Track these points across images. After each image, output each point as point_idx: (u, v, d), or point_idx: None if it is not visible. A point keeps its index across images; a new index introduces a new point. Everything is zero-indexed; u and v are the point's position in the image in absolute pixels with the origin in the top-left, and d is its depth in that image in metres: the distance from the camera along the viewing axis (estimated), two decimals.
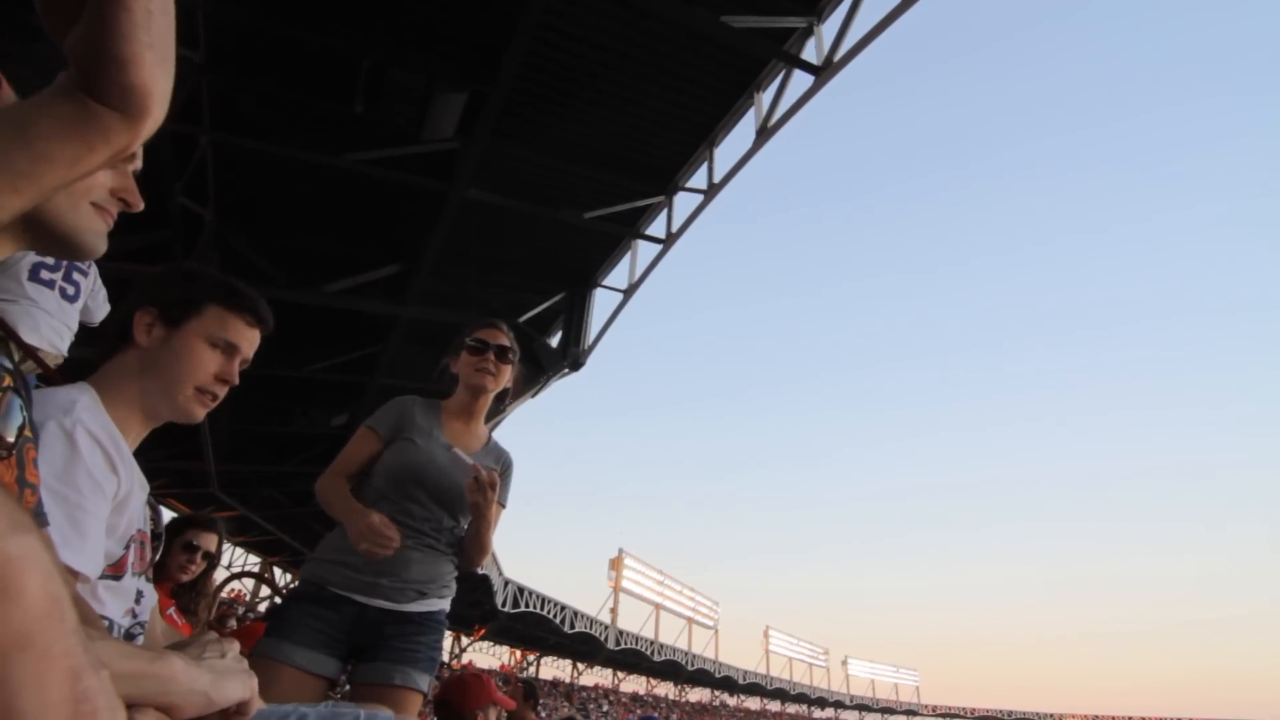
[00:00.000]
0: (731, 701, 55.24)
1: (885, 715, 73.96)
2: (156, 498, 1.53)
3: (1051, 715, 77.36)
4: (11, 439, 0.74)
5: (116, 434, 1.13)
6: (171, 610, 2.59)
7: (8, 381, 0.77)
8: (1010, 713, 77.83)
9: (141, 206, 0.91)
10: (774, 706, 59.07)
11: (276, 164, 6.06)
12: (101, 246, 0.86)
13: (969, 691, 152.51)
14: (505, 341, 2.17)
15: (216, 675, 0.74)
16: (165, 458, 10.85)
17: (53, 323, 2.40)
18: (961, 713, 77.92)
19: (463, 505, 2.02)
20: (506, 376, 2.17)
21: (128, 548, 1.21)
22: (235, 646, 0.82)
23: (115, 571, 1.18)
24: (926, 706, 77.65)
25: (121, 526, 1.18)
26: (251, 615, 12.58)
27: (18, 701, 0.18)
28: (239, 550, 23.01)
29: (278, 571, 22.60)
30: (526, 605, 28.78)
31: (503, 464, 2.17)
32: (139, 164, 0.91)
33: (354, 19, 5.02)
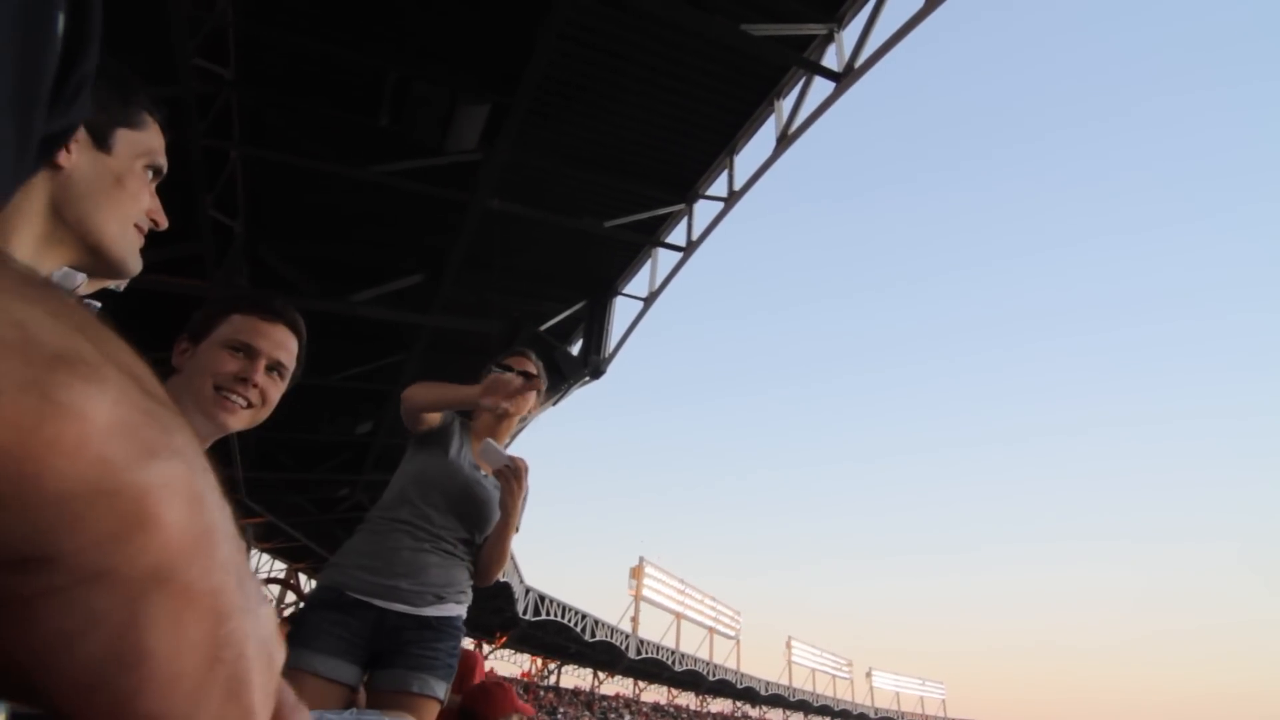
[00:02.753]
0: (754, 713, 54.69)
1: None
2: None
3: None
4: None
5: None
6: None
7: None
8: None
9: (167, 224, 0.96)
10: (797, 718, 58.32)
11: (304, 176, 6.18)
12: (138, 265, 0.92)
13: (997, 704, 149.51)
14: (533, 370, 2.24)
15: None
16: None
17: None
18: None
19: (480, 521, 2.10)
20: (531, 404, 2.26)
21: None
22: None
23: None
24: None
25: None
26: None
27: (148, 641, 0.17)
28: (264, 556, 23.35)
29: (303, 578, 22.87)
30: (547, 613, 28.81)
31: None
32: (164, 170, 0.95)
33: (379, 33, 5.12)
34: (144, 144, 0.89)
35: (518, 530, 2.12)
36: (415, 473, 2.09)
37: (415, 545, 1.99)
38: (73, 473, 0.17)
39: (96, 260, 0.86)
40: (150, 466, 0.18)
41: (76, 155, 0.81)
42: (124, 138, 0.86)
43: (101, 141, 0.83)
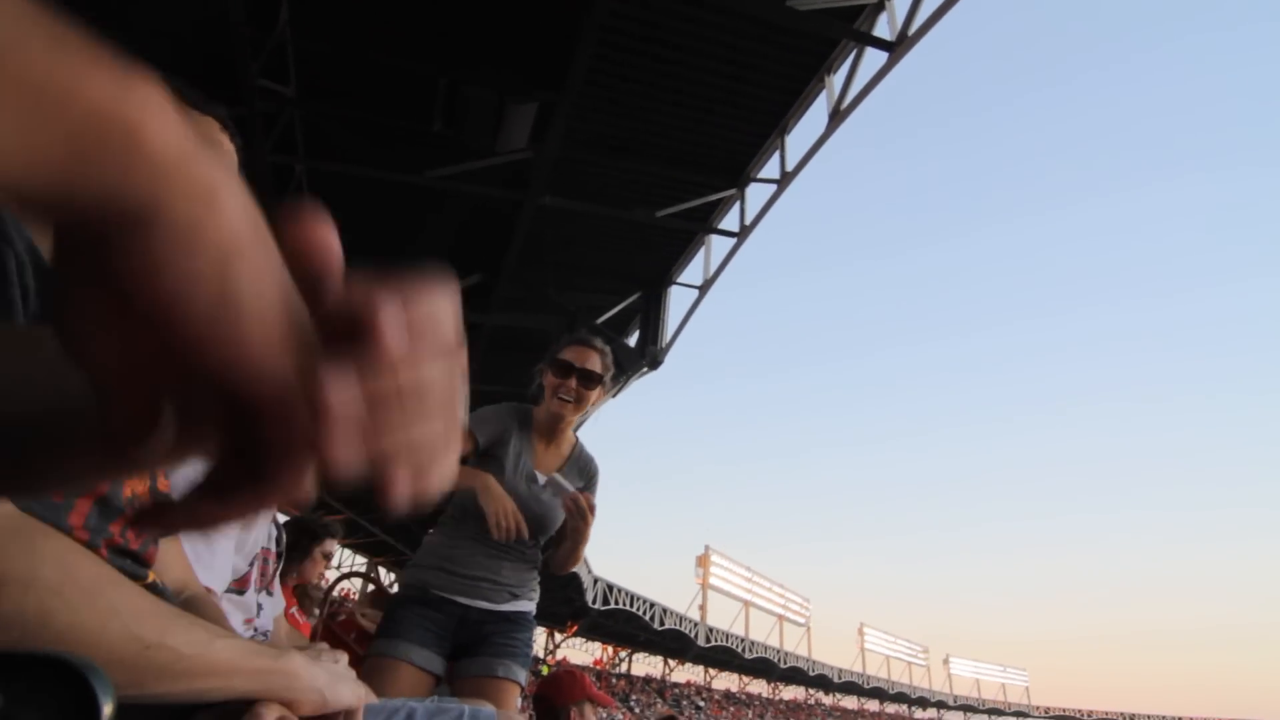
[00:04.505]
0: (827, 700, 54.10)
1: (993, 716, 70.48)
2: None
3: (1177, 718, 71.54)
4: None
5: None
6: (294, 609, 2.78)
7: None
8: (1131, 715, 72.51)
9: None
10: (872, 706, 57.41)
11: (364, 185, 6.39)
12: None
13: (1084, 693, 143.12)
14: (594, 367, 2.09)
15: (332, 677, 0.77)
16: None
17: None
18: (1077, 714, 73.17)
19: (542, 530, 2.12)
20: (591, 401, 2.11)
21: (252, 564, 1.31)
22: (344, 658, 0.85)
23: (240, 586, 1.28)
24: (1038, 708, 73.43)
25: (248, 544, 1.28)
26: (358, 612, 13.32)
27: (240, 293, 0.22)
28: (346, 551, 24.47)
29: (382, 571, 23.86)
30: (616, 603, 29.16)
31: (587, 475, 2.23)
32: None
33: (428, 41, 5.23)
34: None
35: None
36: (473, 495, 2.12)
37: (488, 551, 2.08)
38: (164, 138, 0.20)
39: None
40: (213, 157, 0.21)
41: None
42: None
43: None
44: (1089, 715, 73.00)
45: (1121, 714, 72.75)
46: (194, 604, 1.02)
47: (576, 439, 2.28)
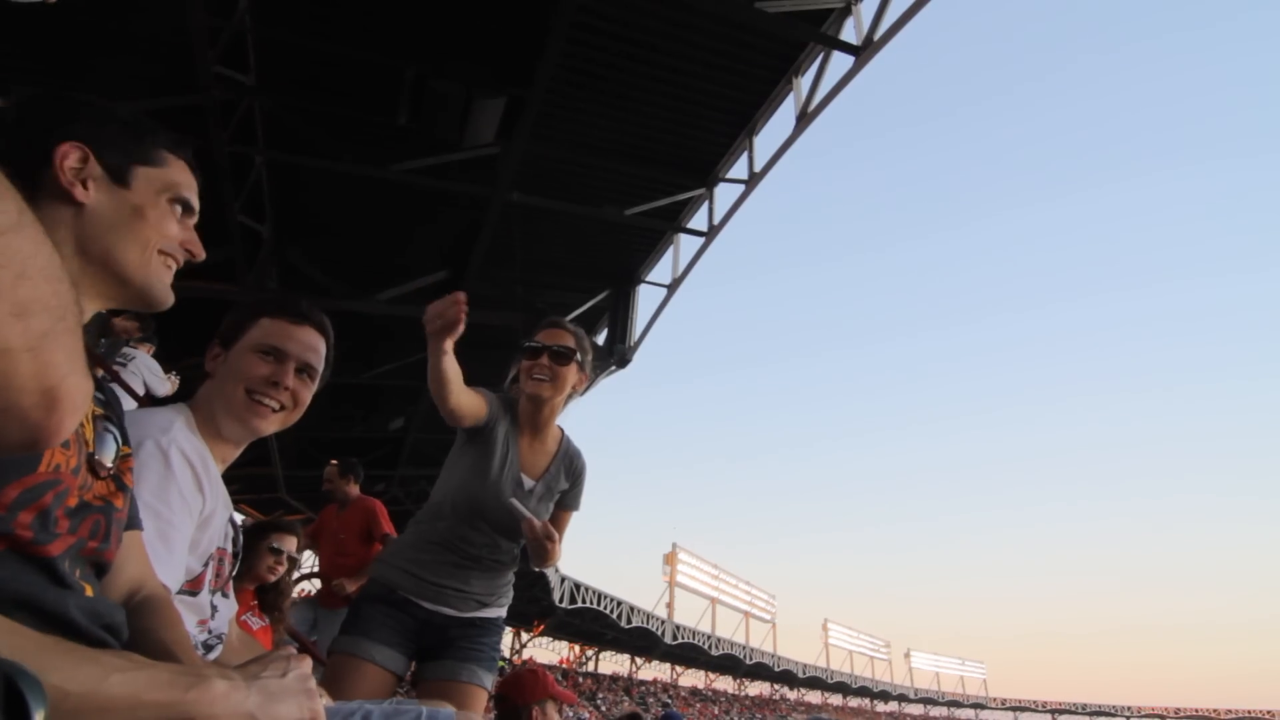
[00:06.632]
0: (792, 695, 54.78)
1: (951, 709, 72.19)
2: None
3: (1129, 709, 74.17)
4: (110, 464, 0.84)
5: (207, 455, 1.21)
6: (248, 615, 2.71)
7: (99, 412, 0.86)
8: (1085, 706, 74.89)
9: (204, 256, 0.98)
10: (835, 700, 58.30)
11: (327, 178, 6.26)
12: (169, 298, 0.93)
13: (1040, 685, 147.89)
14: (564, 342, 2.03)
15: (267, 697, 0.73)
16: (236, 464, 11.32)
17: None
18: (1033, 706, 75.32)
19: (521, 535, 2.03)
20: (569, 380, 2.02)
21: (207, 565, 1.27)
22: (305, 665, 0.81)
23: (193, 587, 1.25)
24: (995, 700, 75.47)
25: (203, 544, 1.24)
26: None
27: None
28: (306, 553, 23.95)
29: None
30: (583, 601, 29.12)
31: (574, 472, 2.15)
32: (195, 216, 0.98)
33: (394, 33, 5.14)
34: (164, 179, 0.92)
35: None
36: (458, 486, 2.01)
37: (459, 561, 2.01)
38: None
39: (125, 290, 0.89)
40: None
41: (94, 192, 0.84)
42: (142, 174, 0.89)
43: (119, 179, 0.87)
44: (1043, 706, 75.19)
45: (1075, 704, 75.09)
46: (148, 604, 0.98)
47: (562, 433, 2.16)
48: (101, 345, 4.21)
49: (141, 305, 0.93)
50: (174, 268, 0.94)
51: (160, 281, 0.91)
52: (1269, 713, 69.68)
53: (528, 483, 2.04)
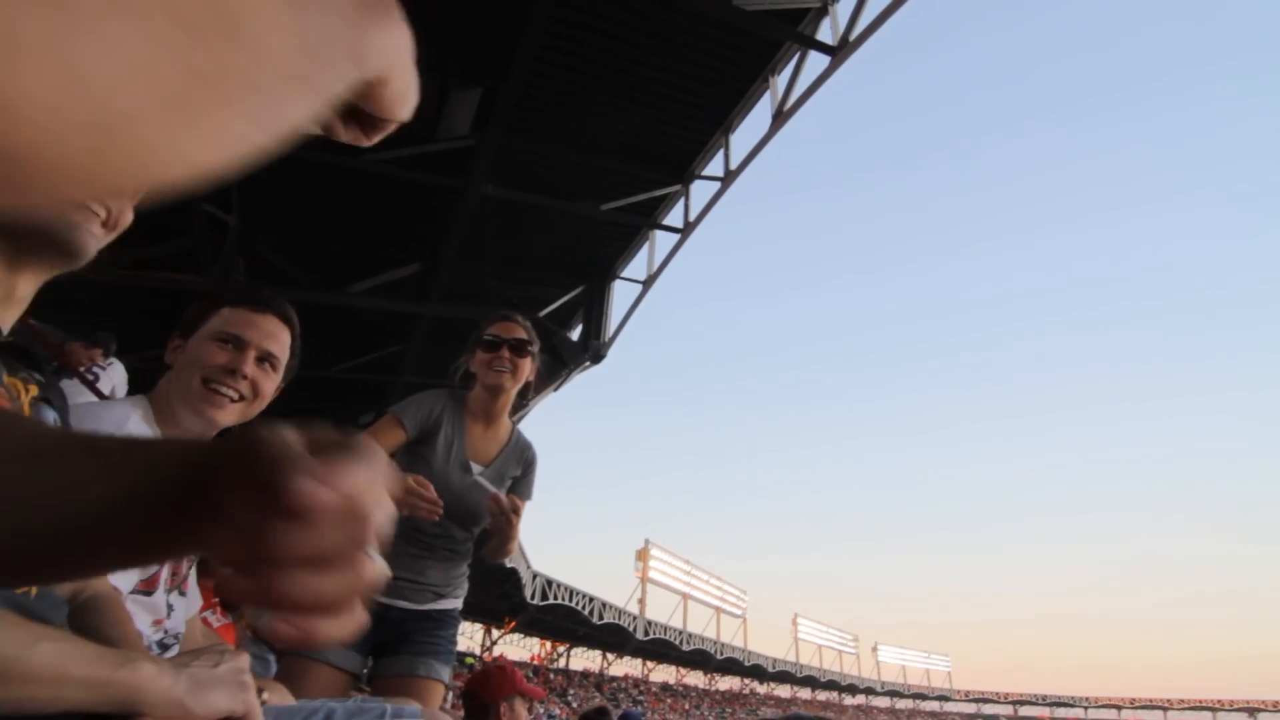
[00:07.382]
0: (761, 689, 55.33)
1: (917, 701, 73.61)
2: None
3: (1086, 699, 76.41)
4: None
5: None
6: (209, 612, 2.64)
7: (35, 392, 0.81)
8: (1045, 697, 76.99)
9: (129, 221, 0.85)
10: (804, 694, 59.04)
11: (297, 168, 6.12)
12: (91, 246, 0.80)
13: (1003, 676, 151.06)
14: (521, 335, 2.08)
15: (195, 685, 0.72)
16: None
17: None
18: (995, 697, 77.23)
19: (475, 520, 2.06)
20: (526, 372, 2.08)
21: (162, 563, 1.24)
22: (241, 660, 0.80)
23: (146, 587, 1.21)
24: (959, 692, 77.09)
25: None
26: None
27: None
28: None
29: None
30: (555, 597, 29.05)
31: (525, 461, 2.18)
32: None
33: None
34: None
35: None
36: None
37: (414, 552, 2.02)
38: None
39: (31, 240, 0.77)
40: None
41: None
42: None
43: None
44: (1006, 698, 77.12)
45: (1037, 695, 77.15)
46: (93, 603, 0.95)
47: (514, 426, 2.21)
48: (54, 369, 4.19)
49: (59, 253, 0.79)
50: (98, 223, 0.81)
51: (84, 224, 0.78)
52: (1218, 701, 72.29)
53: (476, 468, 2.06)
